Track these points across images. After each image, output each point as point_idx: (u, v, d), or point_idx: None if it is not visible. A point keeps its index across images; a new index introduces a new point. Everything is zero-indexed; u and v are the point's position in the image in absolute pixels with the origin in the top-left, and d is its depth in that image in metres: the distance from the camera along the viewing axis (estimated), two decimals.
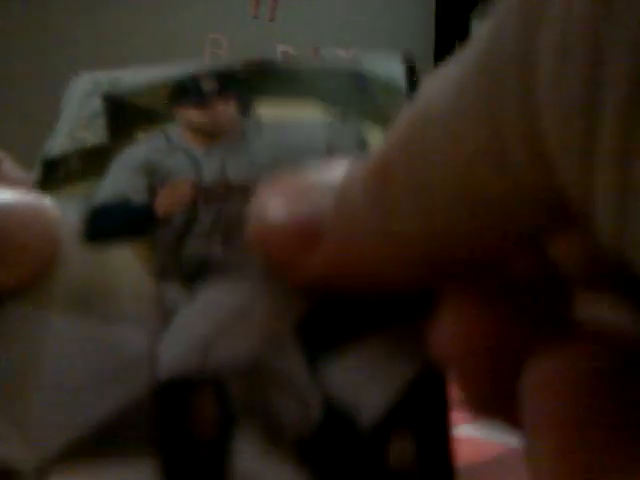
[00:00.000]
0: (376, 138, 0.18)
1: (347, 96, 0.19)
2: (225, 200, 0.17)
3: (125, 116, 0.19)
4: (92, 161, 0.19)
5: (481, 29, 0.11)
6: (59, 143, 0.19)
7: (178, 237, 0.17)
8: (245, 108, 0.19)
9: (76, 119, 0.19)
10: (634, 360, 0.12)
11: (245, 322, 0.15)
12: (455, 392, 0.14)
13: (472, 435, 0.40)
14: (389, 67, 0.20)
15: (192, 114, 0.19)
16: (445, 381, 0.14)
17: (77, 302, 0.16)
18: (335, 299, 0.15)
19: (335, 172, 0.14)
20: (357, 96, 0.19)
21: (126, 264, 0.17)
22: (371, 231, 0.13)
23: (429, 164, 0.12)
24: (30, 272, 0.16)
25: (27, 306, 0.16)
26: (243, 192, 0.17)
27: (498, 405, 0.13)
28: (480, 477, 0.35)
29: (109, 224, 0.17)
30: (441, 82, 0.12)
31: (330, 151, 0.18)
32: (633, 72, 0.09)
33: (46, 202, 0.17)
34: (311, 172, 0.15)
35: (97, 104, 0.20)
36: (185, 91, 0.20)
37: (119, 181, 0.18)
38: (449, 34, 1.65)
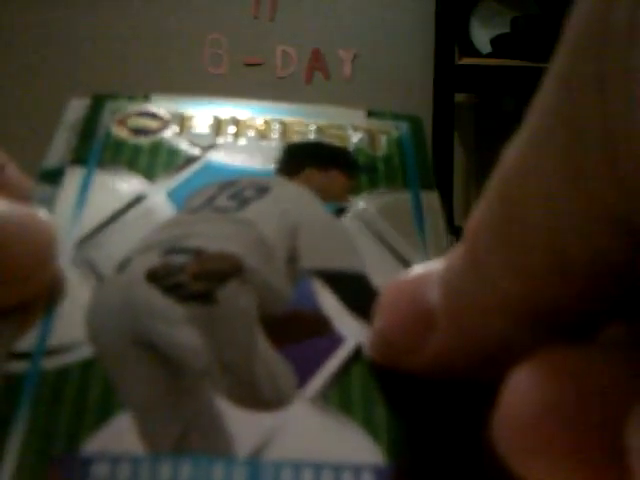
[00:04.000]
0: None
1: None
2: None
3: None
4: None
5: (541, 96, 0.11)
6: (55, 155, 0.20)
7: None
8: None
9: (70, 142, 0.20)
10: None
11: None
12: None
13: None
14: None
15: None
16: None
17: None
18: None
19: (438, 264, 0.15)
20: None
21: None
22: (472, 301, 0.14)
23: (513, 225, 0.12)
24: (29, 289, 0.16)
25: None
26: None
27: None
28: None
29: None
30: (515, 146, 0.12)
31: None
32: None
33: (43, 216, 0.17)
34: (419, 269, 0.16)
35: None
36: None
37: None
38: (449, 34, 1.65)
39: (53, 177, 0.20)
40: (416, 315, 0.15)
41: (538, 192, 0.12)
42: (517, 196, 0.12)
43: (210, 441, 0.15)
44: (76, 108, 0.21)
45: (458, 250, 0.14)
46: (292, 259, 0.19)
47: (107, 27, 1.82)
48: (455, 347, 0.14)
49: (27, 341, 0.16)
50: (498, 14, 1.78)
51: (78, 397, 0.16)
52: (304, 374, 0.17)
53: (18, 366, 0.16)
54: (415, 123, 0.22)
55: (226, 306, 0.17)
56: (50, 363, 0.16)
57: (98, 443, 0.15)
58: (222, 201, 0.20)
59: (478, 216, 0.13)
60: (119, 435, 0.15)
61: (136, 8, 1.84)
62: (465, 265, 0.14)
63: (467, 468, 0.15)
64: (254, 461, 0.15)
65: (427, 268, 0.16)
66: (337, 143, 0.22)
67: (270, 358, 0.17)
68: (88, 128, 0.21)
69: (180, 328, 0.17)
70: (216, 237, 0.19)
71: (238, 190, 0.20)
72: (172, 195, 0.20)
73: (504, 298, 0.13)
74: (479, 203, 0.13)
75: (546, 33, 1.57)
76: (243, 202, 0.20)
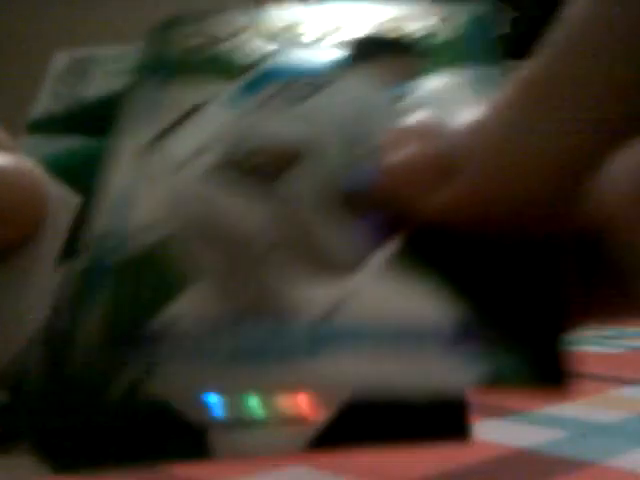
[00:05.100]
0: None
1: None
2: None
3: None
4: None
5: None
6: (42, 105, 0.20)
7: None
8: None
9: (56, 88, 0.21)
10: None
11: None
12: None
13: None
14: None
15: None
16: None
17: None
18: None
19: (462, 113, 0.15)
20: None
21: None
22: (508, 155, 0.14)
23: (571, 77, 0.13)
24: (19, 233, 0.16)
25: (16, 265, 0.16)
26: None
27: None
28: (479, 478, 0.35)
29: None
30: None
31: None
32: None
33: (32, 164, 0.17)
34: (440, 114, 0.16)
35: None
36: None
37: None
38: None
39: (42, 127, 0.19)
40: (426, 158, 0.15)
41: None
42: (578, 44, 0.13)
43: (279, 308, 0.15)
44: (61, 61, 0.22)
45: (501, 100, 0.14)
46: (352, 147, 0.19)
47: (106, 26, 1.82)
48: (476, 195, 0.14)
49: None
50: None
51: (155, 277, 0.16)
52: (371, 243, 0.16)
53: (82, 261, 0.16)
54: (487, 6, 0.23)
55: (289, 187, 0.18)
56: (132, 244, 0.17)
57: (170, 314, 0.15)
58: (282, 99, 0.20)
59: (533, 74, 0.14)
60: (192, 303, 0.15)
61: (135, 7, 1.84)
62: (516, 115, 0.14)
63: (539, 321, 0.15)
64: (327, 322, 0.15)
65: (432, 116, 0.16)
66: (401, 32, 0.22)
67: (337, 228, 0.17)
68: (156, 45, 0.22)
69: (242, 211, 0.17)
70: (276, 133, 0.19)
71: (297, 88, 0.20)
72: (233, 100, 0.20)
73: (549, 158, 0.13)
74: (532, 59, 0.14)
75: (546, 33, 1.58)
76: (302, 98, 0.20)
